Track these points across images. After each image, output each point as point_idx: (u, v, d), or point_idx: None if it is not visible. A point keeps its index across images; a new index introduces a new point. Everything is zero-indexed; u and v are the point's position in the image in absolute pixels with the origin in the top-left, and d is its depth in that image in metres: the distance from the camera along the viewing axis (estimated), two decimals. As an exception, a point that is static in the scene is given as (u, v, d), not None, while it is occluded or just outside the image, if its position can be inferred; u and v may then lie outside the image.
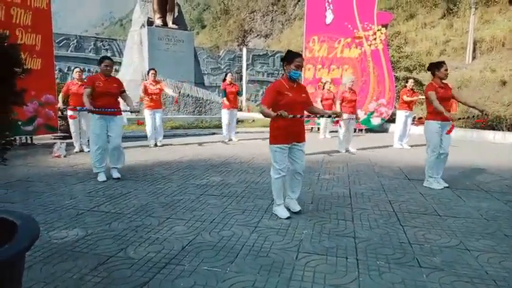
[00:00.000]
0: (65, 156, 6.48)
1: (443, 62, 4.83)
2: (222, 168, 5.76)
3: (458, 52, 19.10)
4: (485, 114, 4.85)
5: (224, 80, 8.90)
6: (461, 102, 5.13)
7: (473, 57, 18.08)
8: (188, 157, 6.71)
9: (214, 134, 10.38)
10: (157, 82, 7.84)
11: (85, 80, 7.18)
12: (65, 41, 18.59)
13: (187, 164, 6.10)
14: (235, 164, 6.11)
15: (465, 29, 19.36)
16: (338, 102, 7.49)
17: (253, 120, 14.14)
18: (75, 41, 19.02)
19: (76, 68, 7.50)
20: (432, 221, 3.50)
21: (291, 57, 3.40)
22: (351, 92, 7.52)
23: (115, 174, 4.98)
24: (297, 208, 3.65)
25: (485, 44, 18.15)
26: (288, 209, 3.63)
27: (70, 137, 7.33)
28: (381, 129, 12.25)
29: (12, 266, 1.42)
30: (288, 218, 3.48)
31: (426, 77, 15.42)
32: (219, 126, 11.36)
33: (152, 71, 7.83)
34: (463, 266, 2.58)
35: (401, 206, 3.99)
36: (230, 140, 8.94)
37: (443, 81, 4.76)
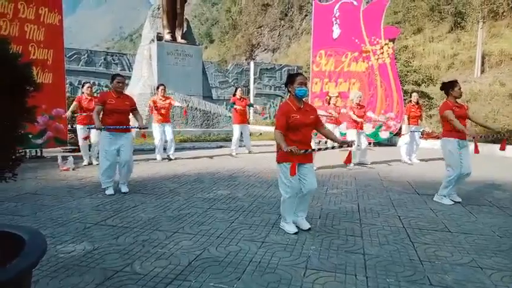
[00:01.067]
0: (73, 169, 6.53)
1: (456, 81, 4.82)
2: (229, 182, 5.74)
3: (466, 66, 19.03)
4: (503, 134, 4.80)
5: (234, 94, 9.02)
6: (476, 122, 5.09)
7: (482, 71, 17.99)
8: (195, 170, 6.72)
9: (221, 147, 10.39)
10: (166, 98, 7.95)
11: (96, 95, 7.34)
12: (76, 55, 18.95)
13: (195, 177, 6.10)
14: (242, 178, 6.09)
15: (473, 42, 19.33)
16: (351, 114, 7.52)
17: (261, 134, 14.16)
18: (86, 55, 19.38)
19: (86, 83, 7.64)
20: (443, 238, 3.43)
21: (292, 78, 3.46)
22: (359, 107, 7.59)
23: (124, 189, 5.00)
24: (307, 226, 3.59)
25: (494, 58, 18.08)
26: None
27: (79, 151, 7.39)
28: (390, 142, 12.17)
29: (19, 282, 1.42)
30: (296, 233, 3.45)
31: (434, 90, 15.38)
32: (226, 140, 11.43)
33: (161, 87, 7.94)
34: (475, 285, 2.51)
35: (410, 221, 3.92)
36: (249, 152, 9.11)
37: (457, 100, 4.74)
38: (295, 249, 3.09)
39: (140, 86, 12.09)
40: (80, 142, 7.20)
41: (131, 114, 5.17)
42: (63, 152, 8.71)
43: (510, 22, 19.92)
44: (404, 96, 12.37)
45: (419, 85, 15.02)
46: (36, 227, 3.47)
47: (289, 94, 3.53)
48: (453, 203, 4.69)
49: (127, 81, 13.75)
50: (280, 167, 3.46)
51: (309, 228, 3.58)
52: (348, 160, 3.48)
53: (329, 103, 10.19)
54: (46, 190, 5.03)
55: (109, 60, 20.11)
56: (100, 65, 19.78)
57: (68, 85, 16.95)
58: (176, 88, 11.60)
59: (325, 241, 3.29)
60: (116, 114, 4.88)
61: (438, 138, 11.50)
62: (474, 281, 2.57)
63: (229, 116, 12.84)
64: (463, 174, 4.69)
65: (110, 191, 4.87)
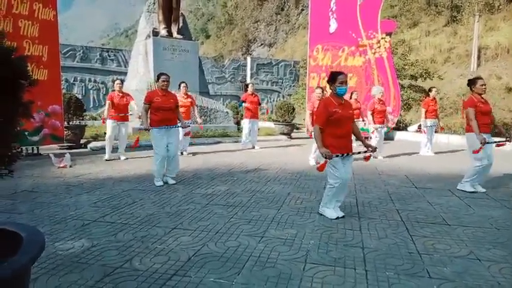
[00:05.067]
0: (70, 166, 6.49)
1: (480, 78, 5.01)
2: (227, 178, 5.74)
3: (462, 59, 19.03)
4: (508, 140, 5.04)
5: (246, 90, 9.14)
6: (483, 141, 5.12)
7: (478, 65, 18.00)
8: (194, 166, 6.70)
9: (219, 143, 10.37)
10: (188, 96, 7.97)
11: (124, 92, 7.58)
12: (71, 51, 18.77)
13: (193, 173, 6.09)
14: (240, 173, 6.09)
15: (469, 36, 19.32)
16: (369, 113, 7.84)
17: (258, 129, 14.11)
18: (81, 51, 19.20)
19: (116, 79, 7.85)
20: (441, 231, 3.44)
21: (334, 76, 3.68)
22: (381, 102, 7.85)
23: (171, 181, 5.28)
24: (341, 214, 3.82)
25: (490, 51, 18.08)
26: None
27: (76, 147, 7.35)
28: (388, 137, 12.19)
29: (17, 279, 1.41)
30: (337, 218, 3.71)
31: (432, 84, 15.41)
32: (224, 135, 11.41)
33: (183, 84, 7.97)
34: (474, 277, 2.53)
35: (409, 215, 3.93)
36: (253, 147, 9.20)
37: (482, 96, 4.86)
38: (295, 244, 3.09)
39: (137, 82, 12.02)
40: (108, 131, 7.32)
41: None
42: (60, 149, 8.66)
43: (506, 15, 19.92)
44: (400, 90, 12.38)
45: (416, 79, 15.02)
46: (34, 224, 3.45)
47: (330, 91, 3.77)
48: (474, 190, 4.88)
49: (123, 78, 13.67)
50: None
51: (343, 216, 3.79)
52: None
53: (350, 98, 10.22)
54: (43, 187, 5.01)
55: (104, 56, 19.94)
56: (96, 61, 19.61)
57: (63, 81, 16.82)
58: (173, 84, 11.53)
59: (324, 235, 3.30)
60: (164, 111, 5.14)
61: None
62: (472, 273, 2.58)
63: (227, 112, 12.82)
64: (488, 165, 4.85)
65: (159, 183, 5.16)
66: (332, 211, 3.81)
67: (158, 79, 5.28)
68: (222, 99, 20.19)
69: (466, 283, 2.44)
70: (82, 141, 8.07)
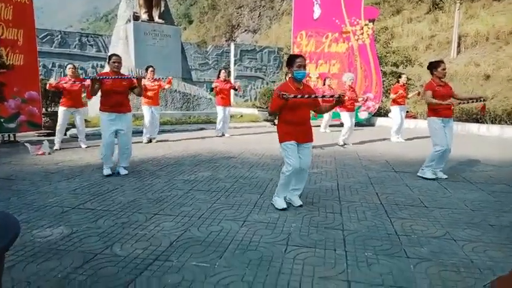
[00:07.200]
0: (49, 154, 6.35)
1: (442, 61, 4.95)
2: (210, 164, 5.72)
3: (443, 47, 19.31)
4: (483, 100, 4.88)
5: (218, 76, 8.92)
6: (460, 99, 5.07)
7: (458, 52, 18.30)
8: (176, 153, 6.65)
9: (202, 129, 10.30)
10: (155, 80, 7.82)
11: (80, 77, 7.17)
12: (48, 36, 18.18)
13: (175, 159, 6.04)
14: (223, 159, 6.07)
15: (450, 23, 19.56)
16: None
17: (242, 116, 14.08)
18: (59, 36, 18.62)
19: (68, 64, 7.37)
20: (419, 212, 3.54)
21: (292, 60, 3.53)
22: (351, 89, 7.75)
23: (123, 171, 4.99)
24: (299, 203, 3.70)
25: (470, 39, 18.38)
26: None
27: (54, 134, 7.14)
28: (368, 123, 12.35)
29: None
30: (284, 209, 3.53)
31: (413, 71, 15.59)
32: (207, 122, 11.34)
33: (150, 69, 7.80)
34: (449, 256, 2.61)
35: (388, 198, 4.02)
36: (223, 135, 9.05)
37: (442, 80, 4.85)
38: (277, 227, 3.12)
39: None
40: (60, 119, 6.90)
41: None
42: (38, 136, 8.44)
43: (486, 3, 20.22)
44: (382, 77, 12.49)
45: (397, 66, 15.17)
46: (10, 212, 3.37)
47: (289, 76, 3.60)
48: (435, 177, 4.87)
49: (103, 63, 13.33)
50: (281, 146, 3.63)
51: (301, 205, 3.67)
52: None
53: (323, 84, 10.27)
54: (21, 175, 4.88)
55: (83, 41, 19.39)
56: (75, 47, 19.06)
57: (41, 67, 16.29)
58: (156, 71, 11.34)
59: (305, 218, 3.34)
60: (114, 94, 4.84)
61: (415, 117, 11.76)
62: (448, 252, 2.67)
63: (210, 98, 12.70)
64: (447, 150, 4.87)
65: (107, 171, 4.88)
66: (281, 201, 3.63)
67: (109, 60, 4.96)
68: (205, 85, 19.97)
69: (441, 262, 2.52)
70: (74, 130, 7.86)
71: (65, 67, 9.34)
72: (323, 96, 3.77)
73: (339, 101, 3.53)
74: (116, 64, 4.90)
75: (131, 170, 5.15)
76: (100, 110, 4.91)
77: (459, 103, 4.89)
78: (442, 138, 4.81)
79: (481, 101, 4.87)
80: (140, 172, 5.13)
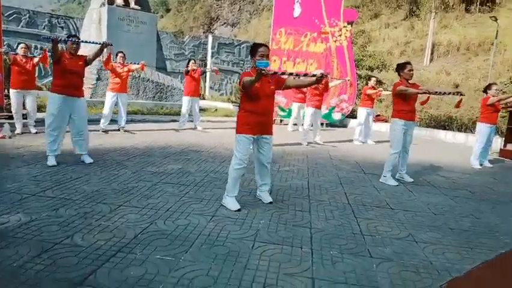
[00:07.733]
0: (10, 138, 6.03)
1: (408, 63, 4.97)
2: (181, 156, 5.62)
3: (417, 53, 19.93)
4: (460, 94, 4.73)
5: (187, 66, 8.66)
6: (431, 93, 4.93)
7: (431, 60, 18.96)
8: (145, 143, 6.49)
9: (174, 121, 10.11)
10: (124, 65, 7.52)
11: (31, 56, 6.68)
12: (15, 15, 17.22)
13: (144, 150, 5.90)
14: (195, 153, 5.99)
15: (425, 31, 20.20)
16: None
17: (216, 110, 13.96)
18: (27, 16, 17.67)
19: (21, 43, 6.80)
20: (384, 214, 3.62)
21: (255, 48, 3.44)
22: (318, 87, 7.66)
23: (87, 160, 4.79)
24: (269, 199, 3.67)
25: (443, 48, 19.08)
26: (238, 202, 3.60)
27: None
28: (341, 124, 12.56)
29: None
30: (238, 210, 3.40)
31: (387, 76, 15.99)
32: (180, 114, 11.12)
33: (120, 54, 7.52)
34: (410, 257, 2.69)
35: (356, 198, 4.09)
36: (195, 128, 8.80)
37: (409, 81, 4.89)
38: (245, 223, 3.11)
39: (87, 52, 11.30)
40: (14, 105, 6.53)
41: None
42: (-1, 118, 8.00)
43: (459, 15, 21.03)
44: (357, 81, 12.73)
45: (372, 70, 15.52)
46: (-36, 197, 3.17)
47: (252, 64, 3.49)
48: (397, 183, 4.87)
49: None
50: (236, 137, 3.50)
51: (271, 202, 3.65)
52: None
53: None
54: (-23, 158, 4.61)
55: (53, 23, 18.52)
56: (44, 28, 18.15)
57: (5, 47, 15.43)
58: (127, 57, 11.02)
59: (274, 215, 3.35)
60: (70, 75, 4.58)
61: (386, 121, 12.05)
62: (409, 253, 2.75)
63: (182, 90, 12.49)
64: (404, 152, 4.98)
65: (52, 161, 4.53)
66: (233, 201, 3.46)
67: (65, 42, 4.74)
68: (179, 76, 19.63)
69: (402, 262, 2.59)
70: (24, 111, 7.49)
71: (32, 47, 8.83)
72: (305, 75, 3.53)
73: (319, 80, 3.39)
74: (74, 46, 4.69)
75: (97, 159, 4.97)
76: (51, 90, 4.60)
77: (436, 93, 4.75)
78: (399, 143, 4.89)
79: (458, 94, 4.71)
80: (107, 161, 4.96)
